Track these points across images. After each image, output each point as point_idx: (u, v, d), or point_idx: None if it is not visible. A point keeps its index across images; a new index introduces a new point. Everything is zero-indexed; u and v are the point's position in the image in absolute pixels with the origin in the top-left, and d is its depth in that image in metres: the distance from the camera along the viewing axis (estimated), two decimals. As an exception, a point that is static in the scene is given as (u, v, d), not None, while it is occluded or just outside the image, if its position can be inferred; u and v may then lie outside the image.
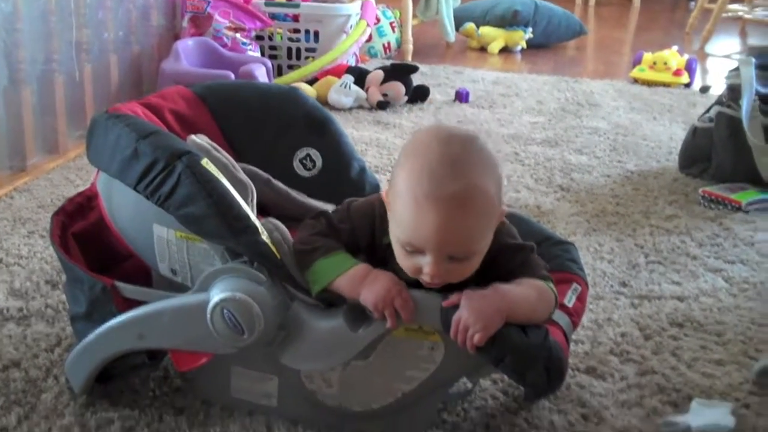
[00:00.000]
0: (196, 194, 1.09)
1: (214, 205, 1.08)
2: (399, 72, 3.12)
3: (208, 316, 1.11)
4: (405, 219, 1.05)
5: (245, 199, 1.17)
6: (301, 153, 1.47)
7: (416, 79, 3.19)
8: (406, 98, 3.12)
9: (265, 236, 1.12)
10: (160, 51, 3.10)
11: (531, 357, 1.09)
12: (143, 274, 1.23)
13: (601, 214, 2.10)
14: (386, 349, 1.13)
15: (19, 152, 2.26)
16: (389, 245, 1.13)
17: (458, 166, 1.03)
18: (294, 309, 1.14)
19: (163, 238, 1.15)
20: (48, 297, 1.54)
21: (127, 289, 1.19)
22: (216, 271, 1.12)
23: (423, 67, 3.54)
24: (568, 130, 2.87)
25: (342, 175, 1.49)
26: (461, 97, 3.21)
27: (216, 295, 1.10)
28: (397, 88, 3.09)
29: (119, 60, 2.81)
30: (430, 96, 3.20)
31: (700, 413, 1.24)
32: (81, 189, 2.00)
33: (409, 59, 3.90)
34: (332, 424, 1.20)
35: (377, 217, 1.16)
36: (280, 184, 1.37)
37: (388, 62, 3.33)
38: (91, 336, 1.19)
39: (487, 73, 3.77)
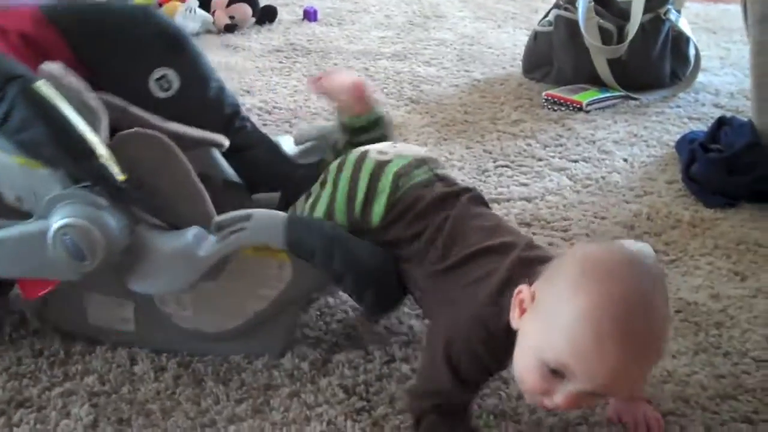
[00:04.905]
0: (32, 119, 1.08)
1: (51, 129, 1.08)
2: (244, -7, 3.07)
3: (49, 243, 1.10)
4: (568, 342, 0.87)
5: (92, 123, 1.14)
6: (158, 73, 1.40)
7: (263, 0, 3.15)
8: (253, 20, 3.08)
9: (104, 159, 1.10)
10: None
11: (369, 278, 1.13)
12: None
13: (451, 124, 2.14)
14: (235, 269, 1.15)
15: None
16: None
17: (651, 306, 0.88)
18: (138, 232, 1.14)
19: (5, 165, 1.12)
20: None
21: None
22: (55, 197, 1.11)
23: (269, -13, 3.48)
24: (416, 43, 2.90)
25: (200, 95, 1.44)
26: (309, 15, 3.19)
27: (55, 221, 1.09)
28: (244, 9, 3.04)
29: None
30: (278, 16, 3.17)
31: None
32: None
33: (254, -21, 3.82)
34: (193, 348, 1.21)
35: (487, 354, 1.00)
36: (138, 111, 1.32)
37: (232, -16, 3.26)
38: None
39: (334, -11, 3.74)
